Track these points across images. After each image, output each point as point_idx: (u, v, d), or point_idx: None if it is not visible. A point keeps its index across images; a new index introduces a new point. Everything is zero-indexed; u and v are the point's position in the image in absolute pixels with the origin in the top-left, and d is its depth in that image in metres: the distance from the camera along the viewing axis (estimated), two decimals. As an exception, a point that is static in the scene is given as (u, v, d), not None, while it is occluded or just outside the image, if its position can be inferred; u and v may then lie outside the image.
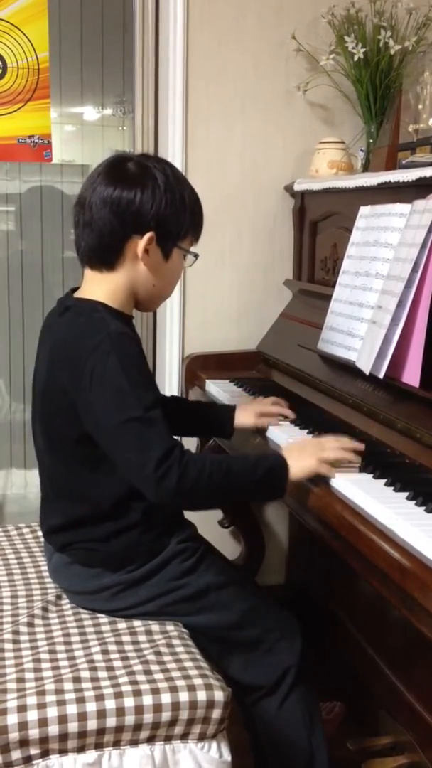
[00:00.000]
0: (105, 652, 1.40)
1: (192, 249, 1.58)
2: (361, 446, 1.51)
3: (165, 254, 1.51)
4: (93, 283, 1.52)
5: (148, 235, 1.47)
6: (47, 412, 1.51)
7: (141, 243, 1.47)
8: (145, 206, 1.45)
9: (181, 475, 1.35)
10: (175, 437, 1.41)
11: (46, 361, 1.51)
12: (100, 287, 1.51)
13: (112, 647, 1.41)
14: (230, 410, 1.80)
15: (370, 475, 1.43)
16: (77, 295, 1.54)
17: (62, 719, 1.24)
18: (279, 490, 1.46)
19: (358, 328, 1.75)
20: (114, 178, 1.47)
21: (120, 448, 1.39)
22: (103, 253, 1.49)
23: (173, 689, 1.31)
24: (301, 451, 1.48)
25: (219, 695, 1.32)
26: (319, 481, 1.47)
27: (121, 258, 1.49)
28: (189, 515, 1.67)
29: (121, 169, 1.48)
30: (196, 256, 1.58)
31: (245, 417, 1.78)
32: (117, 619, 1.51)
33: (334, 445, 1.48)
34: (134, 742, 1.29)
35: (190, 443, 2.40)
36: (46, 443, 1.54)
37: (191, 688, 1.31)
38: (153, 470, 1.34)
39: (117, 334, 1.42)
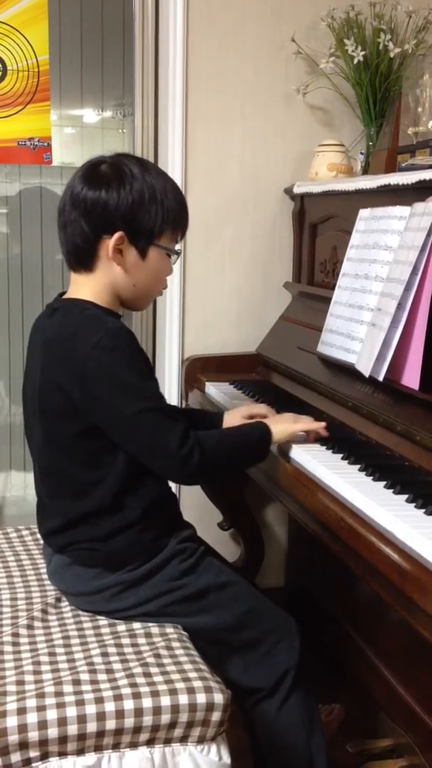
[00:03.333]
0: (104, 654, 1.40)
1: (177, 247, 1.57)
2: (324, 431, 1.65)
3: (141, 253, 1.51)
4: (78, 285, 1.54)
5: (116, 234, 1.47)
6: (45, 411, 1.52)
7: (110, 243, 1.48)
8: (110, 205, 1.46)
9: (202, 451, 1.45)
10: None
11: (39, 360, 1.52)
12: (84, 288, 1.53)
13: (111, 650, 1.41)
14: (219, 415, 1.81)
15: (370, 478, 1.44)
16: (65, 297, 1.56)
17: (62, 722, 1.24)
18: (264, 455, 1.61)
19: (357, 330, 1.75)
20: (85, 179, 1.48)
21: (138, 438, 1.45)
22: (78, 255, 1.51)
23: (173, 692, 1.31)
24: (278, 419, 1.66)
25: (218, 698, 1.32)
26: (319, 482, 1.47)
27: (96, 259, 1.50)
28: (188, 517, 1.67)
29: (93, 171, 1.49)
30: (177, 253, 1.57)
31: (231, 419, 1.79)
32: (116, 621, 1.51)
33: (306, 418, 1.67)
34: (134, 745, 1.29)
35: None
36: (45, 441, 1.54)
37: (191, 691, 1.31)
38: (176, 450, 1.42)
39: (115, 328, 1.44)
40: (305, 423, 1.65)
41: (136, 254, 1.51)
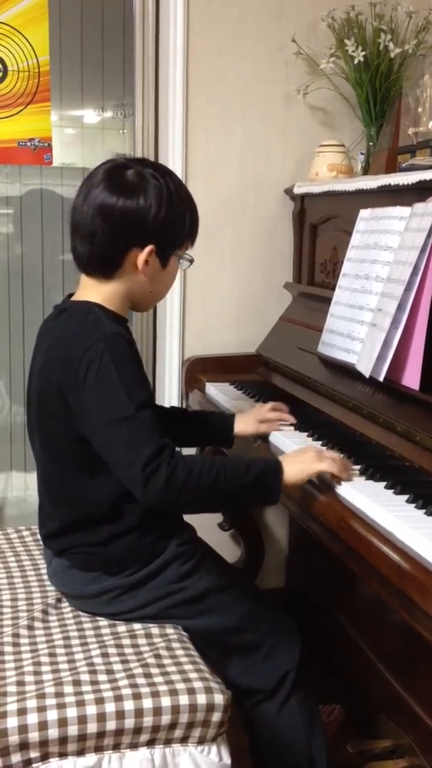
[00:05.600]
0: (105, 655, 1.40)
1: (189, 252, 1.57)
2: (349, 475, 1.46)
3: (163, 263, 1.52)
4: (89, 288, 1.52)
5: (148, 248, 1.47)
6: (44, 414, 1.51)
7: (141, 256, 1.47)
8: (146, 220, 1.45)
9: (169, 476, 1.34)
10: (166, 438, 1.41)
11: (42, 362, 1.52)
12: (96, 292, 1.51)
13: (112, 650, 1.41)
14: (230, 418, 1.79)
15: (370, 479, 1.44)
16: (73, 299, 1.55)
17: (62, 722, 1.24)
18: (271, 495, 1.44)
19: (358, 331, 1.75)
20: (114, 188, 1.45)
21: (110, 447, 1.40)
22: (102, 264, 1.49)
23: (173, 692, 1.31)
24: (298, 455, 1.47)
25: (219, 698, 1.32)
26: (319, 484, 1.47)
27: (120, 269, 1.49)
28: (188, 518, 1.67)
29: (120, 179, 1.46)
30: (191, 260, 1.58)
31: (245, 425, 1.78)
32: (117, 622, 1.51)
33: (332, 455, 1.47)
34: (134, 746, 1.30)
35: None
36: (43, 446, 1.54)
37: (191, 692, 1.31)
38: (141, 469, 1.34)
39: (111, 334, 1.43)
40: (329, 463, 1.43)
41: (159, 264, 1.51)
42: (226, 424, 1.79)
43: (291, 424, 1.80)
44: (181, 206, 1.50)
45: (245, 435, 1.78)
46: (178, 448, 1.40)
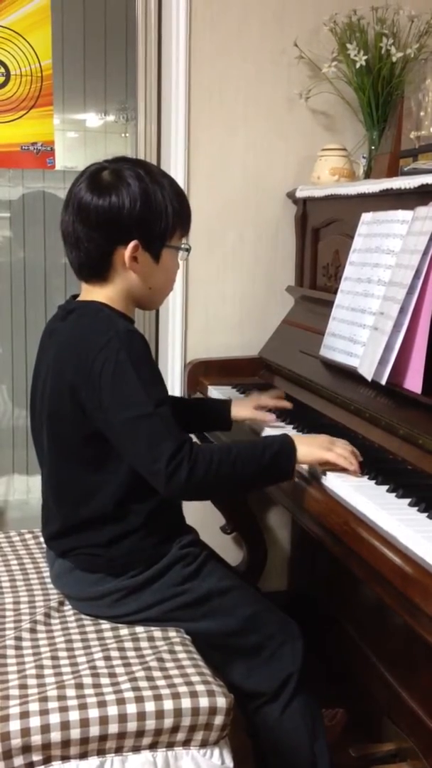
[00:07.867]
0: (107, 658, 1.40)
1: (183, 241, 1.57)
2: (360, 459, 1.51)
3: (155, 257, 1.51)
4: (92, 293, 1.53)
5: (132, 244, 1.47)
6: (55, 413, 1.51)
7: (126, 253, 1.47)
8: (122, 216, 1.45)
9: (191, 470, 1.37)
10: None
11: (52, 362, 1.52)
12: (99, 295, 1.52)
13: (114, 653, 1.41)
14: (227, 403, 1.84)
15: (373, 482, 1.44)
16: (79, 300, 1.55)
17: (64, 725, 1.24)
18: (286, 474, 1.48)
19: (360, 334, 1.75)
20: (90, 191, 1.46)
21: (131, 444, 1.41)
22: (93, 269, 1.50)
23: (175, 695, 1.31)
24: (311, 440, 1.51)
25: (221, 702, 1.32)
26: (322, 486, 1.47)
27: (112, 270, 1.50)
28: (191, 521, 1.67)
29: (96, 181, 1.47)
30: (187, 250, 1.58)
31: (242, 410, 1.82)
32: (119, 625, 1.51)
33: (343, 444, 1.51)
34: (136, 749, 1.29)
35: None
36: (51, 445, 1.54)
37: (194, 695, 1.31)
38: (164, 466, 1.36)
39: (125, 331, 1.44)
40: (339, 453, 1.47)
41: (150, 259, 1.51)
42: (223, 408, 1.83)
43: (290, 423, 1.81)
44: (161, 198, 1.48)
45: (242, 419, 1.82)
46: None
